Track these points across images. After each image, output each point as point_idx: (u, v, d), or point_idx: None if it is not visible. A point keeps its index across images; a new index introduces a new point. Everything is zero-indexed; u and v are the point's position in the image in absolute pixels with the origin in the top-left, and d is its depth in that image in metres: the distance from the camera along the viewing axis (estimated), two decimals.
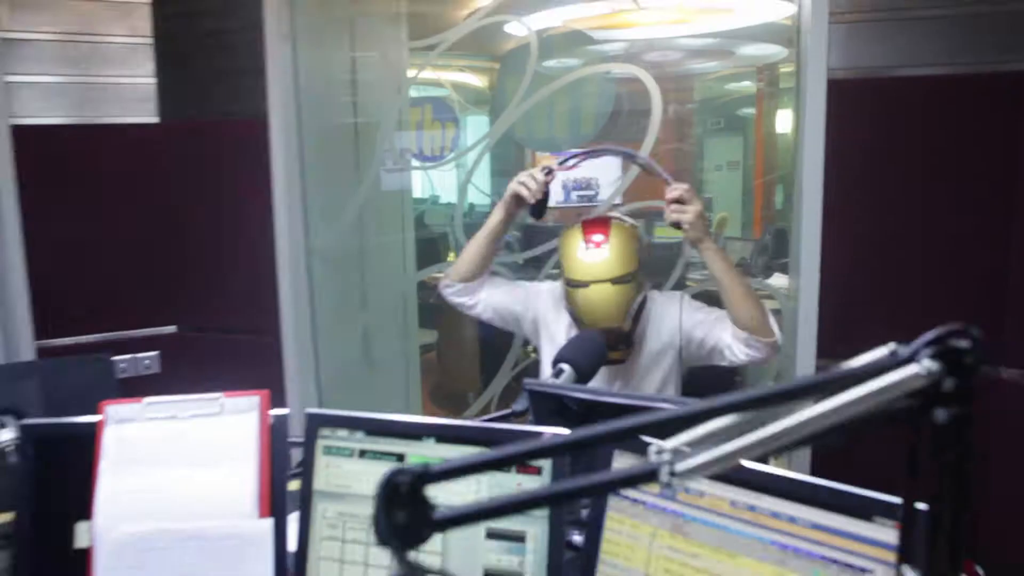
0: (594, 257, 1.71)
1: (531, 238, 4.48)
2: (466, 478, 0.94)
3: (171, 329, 2.87)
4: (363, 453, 1.00)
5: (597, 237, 1.72)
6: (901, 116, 2.05)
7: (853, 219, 2.09)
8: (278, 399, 2.76)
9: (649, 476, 0.47)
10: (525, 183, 1.82)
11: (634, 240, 1.76)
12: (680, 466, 0.47)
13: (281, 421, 1.05)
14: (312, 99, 2.77)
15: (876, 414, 0.48)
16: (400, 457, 0.97)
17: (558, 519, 0.90)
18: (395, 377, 3.56)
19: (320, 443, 1.02)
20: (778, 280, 3.44)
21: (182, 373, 2.82)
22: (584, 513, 1.26)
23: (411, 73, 3.05)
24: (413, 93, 3.34)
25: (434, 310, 5.08)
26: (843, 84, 2.05)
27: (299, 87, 2.66)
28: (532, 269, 3.06)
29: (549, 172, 1.84)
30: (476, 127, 4.32)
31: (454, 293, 2.02)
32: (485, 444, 0.93)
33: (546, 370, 1.95)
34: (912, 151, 2.05)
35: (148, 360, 2.82)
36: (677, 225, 1.73)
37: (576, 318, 1.76)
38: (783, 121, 5.95)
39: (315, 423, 1.03)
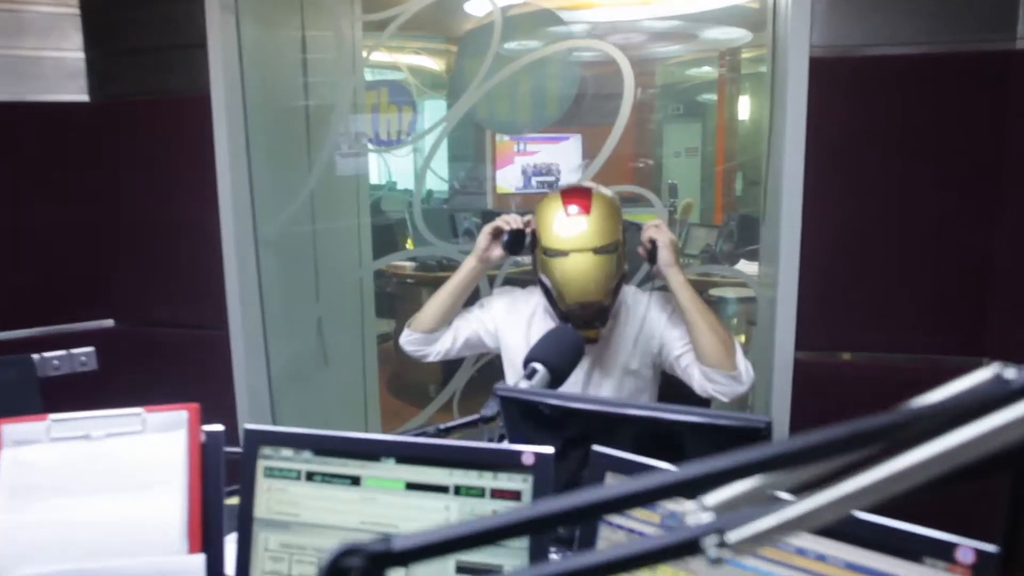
0: (574, 225, 1.58)
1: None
2: (433, 497, 0.82)
3: (108, 323, 2.68)
4: (311, 476, 0.86)
5: (576, 206, 1.60)
6: (880, 96, 1.96)
7: (831, 204, 2.00)
8: (226, 396, 2.65)
9: (689, 548, 0.35)
10: (506, 219, 1.75)
11: (616, 210, 1.66)
12: (733, 534, 0.35)
13: (215, 439, 0.90)
14: (259, 78, 2.59)
15: (982, 458, 0.36)
16: (355, 480, 0.84)
17: (540, 550, 0.77)
18: (351, 370, 3.43)
19: (261, 464, 0.88)
20: (746, 267, 3.38)
21: (121, 370, 2.64)
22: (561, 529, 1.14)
23: (367, 54, 2.90)
24: (369, 76, 3.20)
25: (391, 299, 4.96)
26: (820, 63, 1.95)
27: (244, 64, 2.48)
28: None
29: (529, 221, 1.74)
30: (434, 112, 4.19)
31: (413, 343, 1.89)
32: (453, 465, 0.80)
33: (508, 377, 1.85)
34: (892, 132, 1.97)
35: (84, 357, 2.63)
36: (652, 254, 1.68)
37: (552, 295, 1.63)
38: (744, 107, 5.93)
39: (255, 441, 0.89)
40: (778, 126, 2.15)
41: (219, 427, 0.91)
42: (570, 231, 1.58)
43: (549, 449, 0.75)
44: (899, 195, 1.98)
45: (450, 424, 1.16)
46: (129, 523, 0.86)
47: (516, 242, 1.72)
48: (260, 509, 0.87)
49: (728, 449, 1.05)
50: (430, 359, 1.89)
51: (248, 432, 0.89)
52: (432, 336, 1.85)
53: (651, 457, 1.10)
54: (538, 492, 0.76)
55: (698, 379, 1.64)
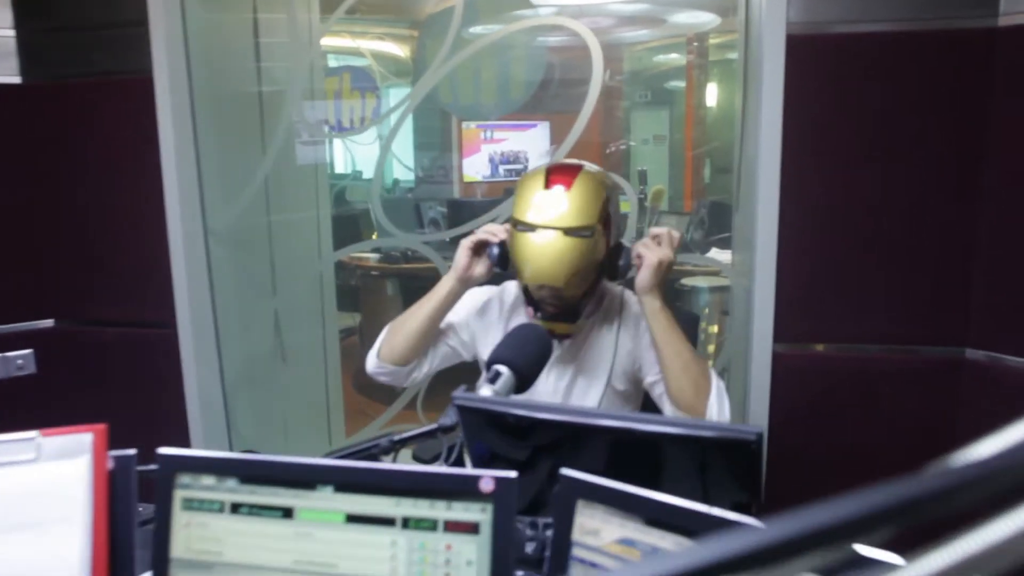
0: (549, 199, 1.42)
1: (457, 215, 4.26)
2: (377, 531, 0.71)
3: (48, 323, 2.52)
4: (236, 507, 0.73)
5: (560, 182, 1.43)
6: (859, 75, 1.87)
7: (808, 189, 1.91)
8: (176, 400, 2.51)
9: None
10: (489, 230, 1.56)
11: (600, 193, 1.45)
12: None
13: (124, 464, 0.77)
14: (207, 60, 2.45)
15: None
16: (287, 512, 0.72)
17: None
18: (313, 367, 3.31)
19: (178, 494, 0.75)
20: (718, 256, 3.31)
21: (62, 374, 2.50)
22: (529, 547, 1.04)
23: (326, 41, 2.76)
24: (332, 62, 3.08)
25: (354, 292, 4.83)
26: (797, 40, 1.86)
27: (190, 45, 2.32)
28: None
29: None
30: (399, 99, 4.06)
31: (383, 373, 1.68)
32: (400, 493, 0.68)
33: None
34: (871, 114, 1.88)
35: (21, 360, 2.47)
36: (629, 266, 1.51)
37: (521, 273, 1.49)
38: (713, 93, 5.89)
39: (170, 467, 0.76)
40: (752, 109, 2.06)
41: (131, 451, 0.78)
42: (542, 205, 1.41)
43: (511, 474, 0.64)
44: (878, 180, 1.89)
45: (405, 435, 1.04)
46: (20, 566, 0.73)
47: (507, 254, 1.52)
48: (178, 547, 0.74)
49: (714, 462, 0.94)
50: (404, 386, 1.68)
51: (162, 458, 0.76)
52: (405, 369, 1.65)
53: (630, 470, 1.01)
54: (499, 524, 0.65)
55: (668, 412, 1.48)
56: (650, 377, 1.54)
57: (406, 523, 0.68)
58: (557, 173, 1.46)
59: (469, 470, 0.67)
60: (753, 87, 2.05)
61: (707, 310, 3.65)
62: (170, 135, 2.30)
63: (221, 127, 2.59)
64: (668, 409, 1.47)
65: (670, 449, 0.90)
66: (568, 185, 1.43)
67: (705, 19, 4.62)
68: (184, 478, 0.75)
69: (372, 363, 1.68)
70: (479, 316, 1.69)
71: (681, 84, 6.34)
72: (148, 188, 2.34)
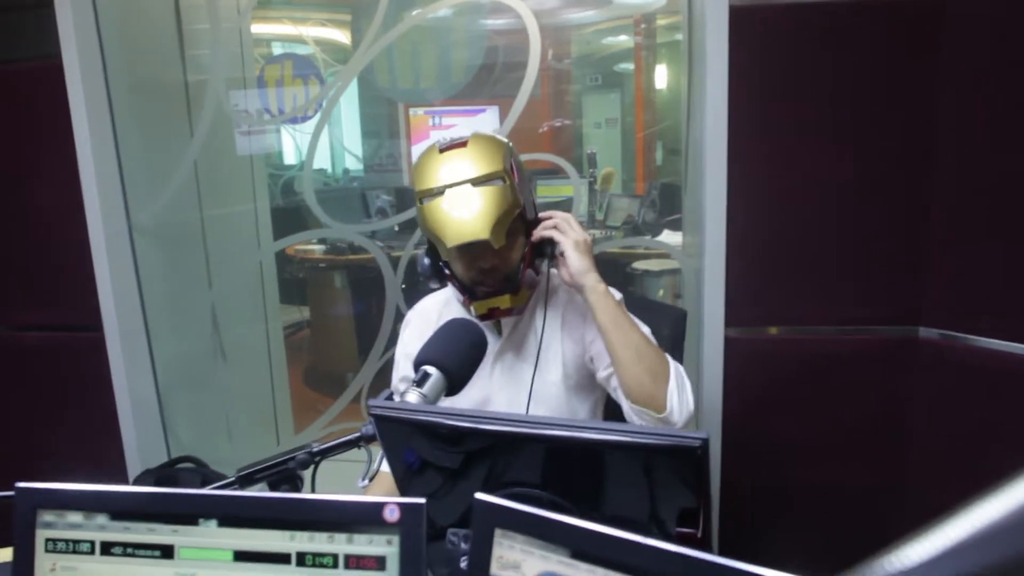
0: (450, 160, 1.33)
1: (405, 203, 4.15)
2: (269, 569, 0.61)
3: None
4: (109, 547, 0.63)
5: (455, 147, 1.35)
6: (805, 49, 1.81)
7: (756, 168, 1.86)
8: (107, 406, 2.37)
9: None
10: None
11: (499, 143, 1.38)
12: None
13: None
14: (123, 45, 2.30)
15: None
16: (166, 551, 0.62)
17: None
18: (256, 365, 3.19)
19: (41, 534, 0.65)
20: (670, 238, 3.26)
21: None
22: (465, 562, 0.96)
23: (266, 28, 2.63)
24: (278, 50, 2.95)
25: (302, 285, 4.68)
26: (739, 12, 1.79)
27: (102, 29, 2.17)
28: (407, 234, 2.73)
29: None
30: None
31: None
32: (294, 526, 0.59)
33: None
34: (819, 89, 1.82)
35: None
36: (550, 251, 1.39)
37: (447, 265, 1.41)
38: (662, 75, 5.85)
39: (29, 503, 0.65)
40: (697, 87, 1.99)
41: None
42: (443, 168, 1.33)
43: (419, 500, 0.56)
44: (827, 157, 1.84)
45: (324, 446, 0.95)
46: None
47: (437, 264, 1.42)
48: None
49: (658, 469, 0.86)
50: None
51: (19, 492, 0.65)
52: None
53: (573, 477, 0.92)
54: (407, 557, 0.56)
55: (626, 410, 1.37)
56: (602, 371, 1.43)
57: (302, 559, 0.59)
58: (449, 144, 1.37)
59: (371, 497, 0.58)
60: (698, 65, 1.99)
61: (662, 292, 3.60)
62: (84, 126, 2.16)
63: (144, 118, 2.45)
64: (625, 404, 1.36)
65: (613, 455, 0.82)
66: (463, 146, 1.34)
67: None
68: (47, 515, 0.64)
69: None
70: (420, 325, 1.56)
71: (631, 67, 6.30)
72: (64, 182, 2.20)
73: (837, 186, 1.84)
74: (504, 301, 1.38)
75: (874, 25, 1.78)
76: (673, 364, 1.35)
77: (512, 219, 1.34)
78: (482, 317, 1.39)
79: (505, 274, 1.39)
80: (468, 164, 1.32)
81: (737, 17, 1.79)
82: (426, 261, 1.44)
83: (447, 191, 1.31)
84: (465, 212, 1.30)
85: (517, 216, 1.36)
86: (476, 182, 1.31)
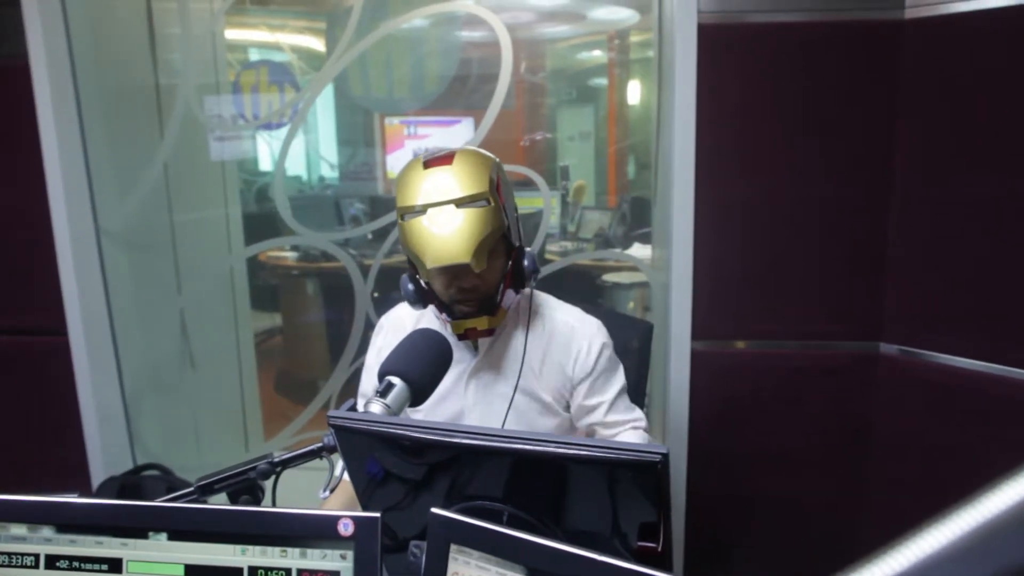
0: (433, 177, 1.31)
1: (379, 212, 4.14)
2: None
3: None
4: (54, 561, 0.62)
5: (440, 164, 1.33)
6: (770, 67, 1.85)
7: (723, 184, 1.89)
8: (72, 414, 2.33)
9: None
10: None
11: (485, 160, 1.36)
12: None
13: None
14: (92, 47, 2.27)
15: None
16: (114, 565, 0.61)
17: None
18: (225, 371, 3.15)
19: None
20: (640, 251, 3.28)
21: None
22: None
23: (242, 34, 2.62)
24: (255, 56, 2.94)
25: (274, 292, 4.65)
26: (709, 30, 1.82)
27: (71, 29, 2.15)
28: (380, 242, 2.71)
29: None
30: (323, 94, 3.95)
31: None
32: (246, 540, 0.59)
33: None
34: (783, 106, 1.86)
35: None
36: (531, 272, 1.43)
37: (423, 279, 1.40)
38: (634, 90, 5.91)
39: None
40: (667, 103, 2.02)
41: None
42: (427, 186, 1.30)
43: (375, 515, 0.56)
44: (790, 173, 1.88)
45: (285, 456, 0.94)
46: None
47: (419, 286, 1.42)
48: None
49: (620, 483, 0.87)
50: None
51: None
52: None
53: (535, 490, 0.93)
54: (361, 572, 0.56)
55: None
56: (581, 421, 1.47)
57: (254, 574, 0.58)
58: (434, 158, 1.36)
59: (324, 511, 0.58)
60: (668, 81, 2.01)
61: (632, 305, 3.63)
62: (51, 128, 2.13)
63: (114, 120, 2.42)
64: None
65: (575, 469, 0.83)
66: (449, 162, 1.33)
67: (624, 15, 4.61)
68: None
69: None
70: (394, 333, 1.54)
71: (605, 81, 6.35)
72: (30, 184, 2.17)
73: (803, 203, 1.88)
74: (482, 323, 1.37)
75: (839, 44, 1.82)
76: (641, 429, 1.43)
77: (494, 241, 1.33)
78: (460, 337, 1.38)
79: (485, 293, 1.38)
80: (453, 183, 1.30)
81: (706, 35, 1.82)
82: (410, 287, 1.41)
83: (429, 210, 1.29)
84: (447, 234, 1.28)
85: (500, 238, 1.35)
86: (460, 203, 1.29)
